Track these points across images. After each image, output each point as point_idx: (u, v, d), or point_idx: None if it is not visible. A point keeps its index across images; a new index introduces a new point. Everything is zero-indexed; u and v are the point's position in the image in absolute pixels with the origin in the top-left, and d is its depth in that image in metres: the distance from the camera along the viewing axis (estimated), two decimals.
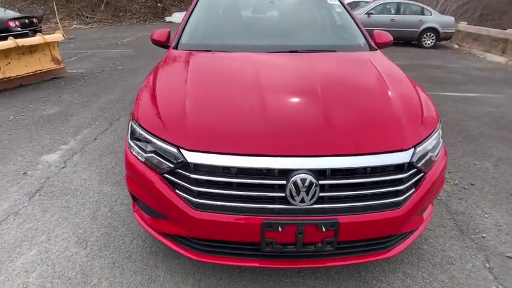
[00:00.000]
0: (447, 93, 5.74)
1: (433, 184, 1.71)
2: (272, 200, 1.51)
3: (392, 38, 2.98)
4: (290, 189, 1.46)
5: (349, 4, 13.89)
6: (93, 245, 2.21)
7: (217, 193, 1.53)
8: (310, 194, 1.47)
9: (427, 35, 11.12)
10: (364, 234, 1.61)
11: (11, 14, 11.20)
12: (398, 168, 1.57)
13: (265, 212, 1.50)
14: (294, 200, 1.48)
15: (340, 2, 3.09)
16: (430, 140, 1.72)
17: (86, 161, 3.32)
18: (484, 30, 11.10)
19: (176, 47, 2.60)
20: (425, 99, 1.98)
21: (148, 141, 1.66)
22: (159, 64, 2.40)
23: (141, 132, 1.71)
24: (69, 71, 7.05)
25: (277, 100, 1.81)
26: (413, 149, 1.60)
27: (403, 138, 1.62)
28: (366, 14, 11.20)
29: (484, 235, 2.29)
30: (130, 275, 1.97)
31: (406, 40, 11.47)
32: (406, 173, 1.58)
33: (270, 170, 1.49)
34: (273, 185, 1.49)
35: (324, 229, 1.49)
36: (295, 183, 1.45)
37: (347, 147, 1.55)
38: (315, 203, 1.49)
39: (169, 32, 2.88)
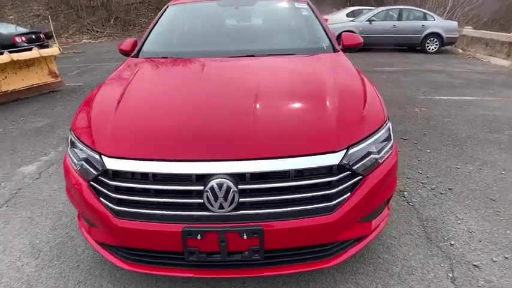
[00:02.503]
0: (442, 97, 5.57)
1: (375, 188, 1.60)
2: (191, 207, 1.45)
3: (362, 40, 2.91)
4: (207, 195, 1.39)
5: (352, 12, 13.88)
6: (45, 255, 2.18)
7: (137, 200, 1.48)
8: (229, 200, 1.39)
9: (430, 41, 10.94)
10: (295, 242, 1.50)
11: (21, 30, 11.61)
12: (327, 171, 1.48)
13: (185, 219, 1.44)
14: (213, 206, 1.40)
15: (309, 5, 3.04)
16: (371, 140, 1.62)
17: (60, 172, 3.31)
18: (488, 35, 10.84)
19: (137, 55, 2.61)
20: (372, 100, 1.88)
21: (80, 149, 1.65)
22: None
23: (74, 140, 1.72)
24: (67, 84, 7.19)
25: (207, 105, 1.75)
26: (345, 150, 1.51)
27: (333, 139, 1.53)
28: (367, 21, 11.12)
29: (452, 242, 2.14)
30: (74, 285, 1.92)
31: (409, 46, 11.32)
32: (336, 176, 1.48)
33: (187, 176, 1.43)
34: (191, 191, 1.43)
35: (245, 237, 1.41)
36: (212, 189, 1.38)
37: (270, 150, 1.47)
38: (235, 209, 1.41)
39: (135, 41, 2.89)
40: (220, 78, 2.09)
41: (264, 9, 3.06)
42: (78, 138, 1.69)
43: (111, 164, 1.49)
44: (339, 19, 13.18)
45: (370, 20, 11.08)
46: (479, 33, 11.40)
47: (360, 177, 1.55)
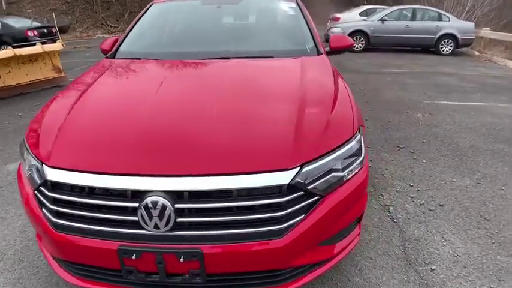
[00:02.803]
0: (449, 102, 5.31)
1: (338, 209, 1.46)
2: (127, 224, 1.34)
3: (351, 42, 2.74)
4: (142, 213, 1.28)
5: (365, 11, 13.54)
6: (8, 259, 2.13)
7: (74, 214, 1.39)
8: (164, 220, 1.28)
9: (444, 42, 10.54)
10: (241, 267, 1.38)
11: (36, 24, 11.79)
12: (277, 191, 1.34)
13: (120, 237, 1.34)
14: (147, 225, 1.30)
15: (297, 4, 2.89)
16: (333, 156, 1.47)
17: None
18: (508, 37, 10.38)
19: (114, 56, 2.52)
20: (341, 110, 1.73)
21: (30, 157, 1.58)
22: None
23: (25, 146, 1.65)
24: (71, 79, 7.22)
25: (159, 115, 1.64)
26: (298, 168, 1.37)
27: (285, 156, 1.39)
28: (379, 20, 10.81)
29: (433, 267, 1.97)
30: None
31: (423, 47, 10.95)
32: (286, 196, 1.33)
33: (122, 191, 1.33)
34: (126, 208, 1.33)
35: (182, 260, 1.29)
36: (146, 207, 1.28)
37: (212, 166, 1.34)
38: (172, 229, 1.30)
39: (116, 40, 2.79)
40: (181, 85, 1.98)
41: (248, 8, 2.92)
42: (27, 145, 1.63)
43: (51, 174, 1.41)
44: (351, 18, 12.86)
45: (382, 20, 10.75)
46: (498, 35, 10.93)
47: (317, 197, 1.41)
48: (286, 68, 2.18)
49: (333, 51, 2.67)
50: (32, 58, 6.50)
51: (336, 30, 10.88)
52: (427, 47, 10.80)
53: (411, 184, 2.89)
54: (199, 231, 1.32)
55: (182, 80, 2.06)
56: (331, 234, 1.53)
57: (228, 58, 2.28)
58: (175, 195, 1.30)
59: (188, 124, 1.57)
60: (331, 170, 1.45)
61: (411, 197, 2.69)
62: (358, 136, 1.64)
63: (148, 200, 1.27)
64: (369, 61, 9.03)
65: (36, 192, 1.48)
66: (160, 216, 1.27)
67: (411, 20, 10.73)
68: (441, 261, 2.02)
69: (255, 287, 1.46)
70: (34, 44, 6.83)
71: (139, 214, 1.29)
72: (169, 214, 1.28)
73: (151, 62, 2.33)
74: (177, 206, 1.29)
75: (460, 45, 10.56)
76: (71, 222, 1.39)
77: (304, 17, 2.75)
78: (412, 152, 3.51)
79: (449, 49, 10.57)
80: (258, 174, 1.33)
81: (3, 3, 19.12)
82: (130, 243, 1.32)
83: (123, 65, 2.35)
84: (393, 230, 2.30)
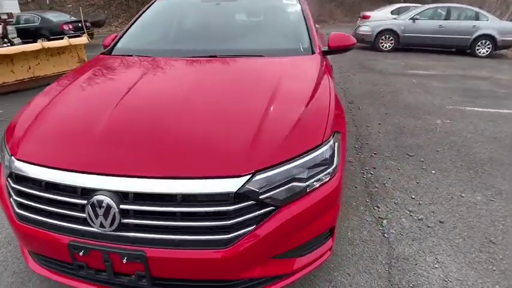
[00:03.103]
0: (475, 109, 4.92)
1: (297, 221, 1.36)
2: (77, 220, 1.35)
3: (353, 41, 2.54)
4: (88, 211, 1.28)
5: (397, 9, 12.97)
6: None
7: (33, 206, 1.42)
8: (109, 219, 1.27)
9: (481, 43, 9.85)
10: (187, 274, 1.32)
11: (74, 19, 12.35)
12: (223, 199, 1.26)
13: (71, 232, 1.35)
14: (94, 223, 1.29)
15: (299, 2, 2.74)
16: (294, 164, 1.36)
17: None
18: None
19: (110, 52, 2.52)
20: (314, 115, 1.59)
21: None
22: None
23: (3, 140, 1.69)
24: None
25: (126, 113, 1.60)
26: (249, 176, 1.27)
27: (237, 162, 1.30)
28: (410, 19, 10.29)
29: None
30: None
31: (457, 48, 10.30)
32: (234, 205, 1.25)
33: (73, 188, 1.33)
34: (76, 204, 1.33)
35: (125, 261, 1.27)
36: (92, 205, 1.27)
37: (161, 169, 1.29)
38: (119, 229, 1.29)
39: (115, 37, 2.79)
40: (155, 84, 1.93)
41: (247, 6, 2.82)
42: (5, 138, 1.67)
43: (15, 166, 1.46)
44: (381, 16, 12.33)
45: (413, 19, 10.21)
46: None
47: (272, 208, 1.31)
48: (268, 69, 2.06)
49: (331, 51, 2.50)
50: (60, 51, 6.77)
51: (364, 28, 10.50)
52: (462, 48, 10.14)
53: (413, 196, 2.67)
54: (144, 233, 1.29)
55: (158, 79, 2.00)
56: (290, 248, 1.42)
57: (215, 57, 2.21)
58: (122, 196, 1.28)
59: (146, 125, 1.52)
60: (293, 179, 1.35)
61: (410, 211, 2.48)
62: (330, 143, 1.51)
63: (95, 198, 1.27)
64: (396, 62, 8.61)
65: (6, 182, 1.53)
66: (105, 215, 1.27)
67: (445, 19, 10.11)
68: (428, 286, 1.83)
69: None
70: (74, 37, 7.14)
71: (86, 212, 1.29)
72: (114, 214, 1.26)
73: (138, 59, 2.29)
74: (122, 206, 1.27)
75: (498, 47, 9.83)
76: (31, 214, 1.43)
77: (303, 15, 2.60)
78: (422, 161, 3.26)
79: (487, 51, 9.87)
80: (204, 180, 1.26)
81: None
82: (79, 240, 1.33)
83: (111, 62, 2.32)
84: (381, 246, 2.12)
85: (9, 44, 6.65)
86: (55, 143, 1.52)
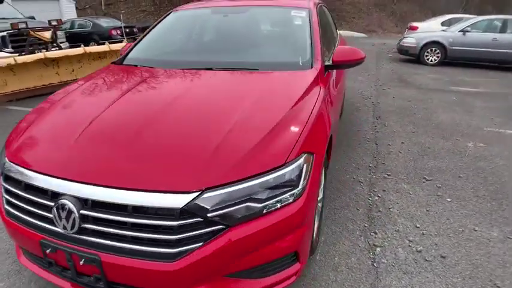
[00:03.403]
0: None
1: (249, 242, 1.35)
2: (47, 220, 1.46)
3: (361, 56, 2.42)
4: (54, 213, 1.39)
5: (449, 20, 12.25)
6: None
7: (15, 204, 1.57)
8: (70, 222, 1.38)
9: None
10: (137, 282, 1.38)
11: (119, 24, 13.18)
12: (169, 213, 1.29)
13: (43, 231, 1.48)
14: (58, 224, 1.41)
15: (309, 13, 2.68)
16: (249, 184, 1.35)
17: None
18: None
19: (122, 61, 2.66)
20: (283, 134, 1.56)
21: None
22: None
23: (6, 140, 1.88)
24: None
25: (100, 124, 1.70)
26: (197, 193, 1.30)
27: (187, 179, 1.34)
28: (460, 31, 9.63)
29: None
30: None
31: None
32: (179, 221, 1.28)
33: (44, 190, 1.45)
34: (45, 206, 1.45)
35: (82, 263, 1.38)
36: (57, 208, 1.38)
37: (119, 180, 1.36)
38: (79, 232, 1.39)
39: (130, 45, 2.94)
40: (141, 97, 2.02)
41: (255, 17, 2.82)
42: (8, 136, 1.85)
43: (6, 166, 1.63)
44: (431, 28, 11.68)
45: (463, 31, 9.54)
46: None
47: (221, 227, 1.31)
48: (253, 83, 2.07)
49: (336, 66, 2.42)
50: (101, 55, 7.26)
51: (409, 40, 10.01)
52: None
53: (418, 225, 2.48)
54: (100, 239, 1.37)
55: (144, 92, 2.08)
56: (244, 268, 1.41)
57: (211, 69, 2.25)
58: (83, 202, 1.36)
59: (115, 136, 1.59)
60: (249, 199, 1.34)
61: (409, 241, 2.30)
62: (296, 164, 1.47)
63: (60, 201, 1.37)
64: (439, 76, 8.10)
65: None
66: (67, 218, 1.37)
67: (501, 32, 9.33)
68: None
69: None
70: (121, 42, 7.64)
71: (52, 213, 1.39)
72: (74, 218, 1.35)
73: (139, 70, 2.41)
74: (81, 212, 1.36)
75: None
76: (14, 210, 1.58)
77: (310, 27, 2.54)
78: (439, 187, 3.02)
79: None
80: (153, 193, 1.30)
81: (102, 4, 21.73)
82: (48, 238, 1.45)
83: (113, 72, 2.45)
84: (367, 276, 1.99)
85: (57, 48, 7.24)
86: (38, 148, 1.68)
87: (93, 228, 1.37)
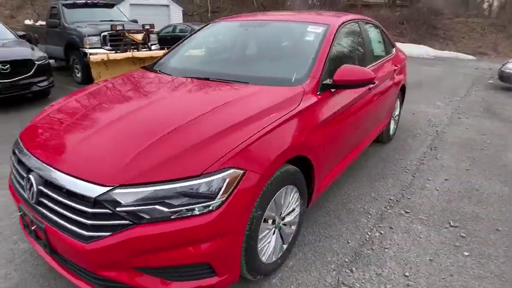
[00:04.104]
0: None
1: (150, 242, 1.43)
2: (23, 189, 1.79)
3: (368, 77, 2.25)
4: (25, 184, 1.73)
5: None
6: None
7: (14, 174, 1.96)
8: (31, 193, 1.67)
9: None
10: (67, 254, 1.60)
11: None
12: (88, 200, 1.47)
13: (21, 196, 1.81)
14: (27, 194, 1.71)
15: (326, 30, 2.57)
16: (160, 188, 1.44)
17: None
18: None
19: (152, 67, 2.95)
20: (214, 146, 1.60)
21: None
22: None
23: None
24: None
25: (83, 119, 1.98)
26: (111, 187, 1.43)
27: (107, 173, 1.49)
28: None
29: None
30: None
31: None
32: (92, 209, 1.46)
33: (25, 165, 1.78)
34: (23, 177, 1.79)
35: (33, 228, 1.67)
36: (27, 179, 1.71)
37: (66, 166, 1.60)
38: (37, 203, 1.66)
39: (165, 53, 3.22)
40: (130, 97, 2.27)
41: (270, 31, 2.83)
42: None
43: (17, 143, 2.01)
44: None
45: None
46: None
47: (128, 222, 1.42)
48: (227, 95, 2.13)
49: (336, 85, 2.28)
50: (146, 60, 7.89)
51: (511, 66, 8.60)
52: None
53: (407, 274, 2.16)
54: (46, 211, 1.61)
55: (133, 93, 2.32)
56: (152, 265, 1.49)
57: (208, 79, 2.37)
58: (44, 179, 1.62)
59: (81, 129, 1.87)
60: (159, 202, 1.43)
61: None
62: (216, 177, 1.49)
63: (29, 175, 1.69)
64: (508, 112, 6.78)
65: None
66: (30, 189, 1.68)
67: None
68: None
69: (77, 277, 1.63)
70: None
71: (24, 183, 1.71)
72: (34, 191, 1.65)
73: (154, 75, 2.64)
74: (39, 187, 1.64)
75: None
76: (13, 178, 1.94)
77: (319, 45, 2.44)
78: (462, 237, 2.57)
79: None
80: (79, 181, 1.50)
81: (209, 12, 23.80)
82: (23, 204, 1.77)
83: (133, 75, 2.72)
84: None
85: (147, 49, 8.17)
86: (37, 132, 2.02)
87: (44, 201, 1.64)
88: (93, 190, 1.45)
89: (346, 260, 2.26)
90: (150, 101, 2.09)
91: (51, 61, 10.07)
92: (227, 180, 1.49)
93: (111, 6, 9.75)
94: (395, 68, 3.87)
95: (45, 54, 6.25)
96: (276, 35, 2.81)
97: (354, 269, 2.18)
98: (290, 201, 2.05)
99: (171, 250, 1.46)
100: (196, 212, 1.45)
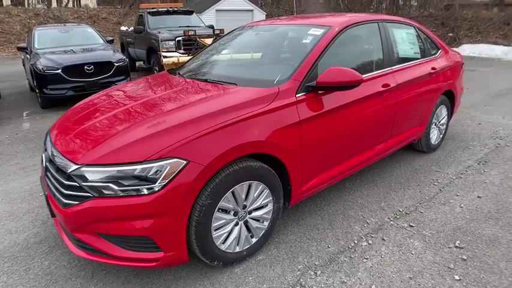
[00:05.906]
0: None
1: (102, 212, 1.76)
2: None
3: (356, 78, 2.23)
4: (41, 159, 2.26)
5: None
6: None
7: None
8: (43, 167, 2.18)
9: None
10: (58, 216, 1.98)
11: None
12: (65, 174, 1.88)
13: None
14: (42, 167, 2.23)
15: (324, 33, 2.57)
16: (112, 169, 1.76)
17: None
18: None
19: (177, 70, 3.31)
20: (164, 137, 1.84)
21: None
22: None
23: None
24: None
25: (94, 111, 2.39)
26: (79, 166, 1.82)
27: (81, 154, 1.88)
28: None
29: None
30: None
31: None
32: (67, 181, 1.85)
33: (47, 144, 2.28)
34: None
35: (44, 192, 2.16)
36: (42, 156, 2.23)
37: (61, 147, 2.07)
38: (46, 176, 2.14)
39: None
40: (138, 95, 2.61)
41: (276, 35, 2.92)
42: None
43: (48, 132, 2.53)
44: None
45: None
46: None
47: (89, 195, 1.77)
48: (207, 95, 2.32)
49: (320, 87, 2.29)
50: None
51: None
52: None
53: (373, 287, 2.06)
54: (48, 182, 2.05)
55: (143, 92, 2.68)
56: (108, 233, 1.83)
57: (206, 80, 2.61)
58: (52, 157, 2.08)
59: (84, 119, 2.30)
60: (112, 182, 1.75)
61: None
62: (157, 164, 1.75)
63: (43, 154, 2.21)
64: None
65: None
66: (42, 164, 2.17)
67: None
68: None
69: (66, 238, 2.04)
70: None
71: (41, 159, 2.27)
72: (43, 166, 2.12)
73: (170, 77, 2.97)
74: (46, 163, 2.10)
75: None
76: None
77: (313, 47, 2.47)
78: (463, 260, 2.31)
79: None
80: (64, 159, 1.93)
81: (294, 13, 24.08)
82: (42, 175, 2.26)
83: (154, 77, 3.10)
84: None
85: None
86: (59, 122, 2.50)
87: (48, 174, 2.09)
88: (69, 166, 1.86)
89: (317, 263, 2.26)
90: (142, 99, 2.42)
91: (140, 62, 11.52)
92: (168, 168, 1.72)
93: (190, 13, 10.71)
94: (433, 71, 3.55)
95: (124, 57, 7.24)
96: (280, 39, 2.90)
97: (319, 272, 2.18)
98: (256, 196, 2.15)
99: (121, 221, 1.78)
100: (141, 193, 1.73)
